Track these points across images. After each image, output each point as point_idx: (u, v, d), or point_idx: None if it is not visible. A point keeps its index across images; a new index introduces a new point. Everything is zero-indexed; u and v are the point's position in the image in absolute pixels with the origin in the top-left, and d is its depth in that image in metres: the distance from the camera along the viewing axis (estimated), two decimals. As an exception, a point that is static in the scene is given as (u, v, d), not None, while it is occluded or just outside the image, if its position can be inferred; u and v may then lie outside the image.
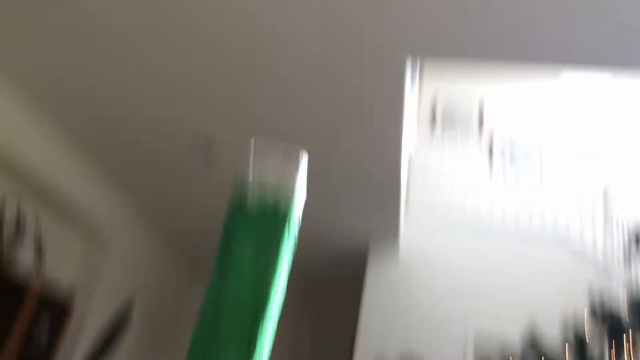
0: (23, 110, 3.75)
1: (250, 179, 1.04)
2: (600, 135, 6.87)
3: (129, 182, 4.77)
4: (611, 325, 2.96)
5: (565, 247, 5.08)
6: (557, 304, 4.78)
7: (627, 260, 4.19)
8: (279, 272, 1.02)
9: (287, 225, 1.04)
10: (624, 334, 2.93)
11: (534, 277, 4.95)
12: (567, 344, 3.01)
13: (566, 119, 6.94)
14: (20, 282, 3.82)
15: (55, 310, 4.28)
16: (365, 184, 4.14)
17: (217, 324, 0.99)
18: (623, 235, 4.87)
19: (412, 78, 3.69)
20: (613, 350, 2.98)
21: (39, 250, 4.40)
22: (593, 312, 3.12)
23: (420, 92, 6.51)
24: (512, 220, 5.54)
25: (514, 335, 4.52)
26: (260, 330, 1.00)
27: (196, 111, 3.66)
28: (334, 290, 6.53)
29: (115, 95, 3.63)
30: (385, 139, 3.61)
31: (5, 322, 3.85)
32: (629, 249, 4.11)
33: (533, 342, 3.09)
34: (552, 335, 4.34)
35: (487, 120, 6.80)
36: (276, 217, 1.05)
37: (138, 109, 3.75)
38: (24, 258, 4.02)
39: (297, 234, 1.09)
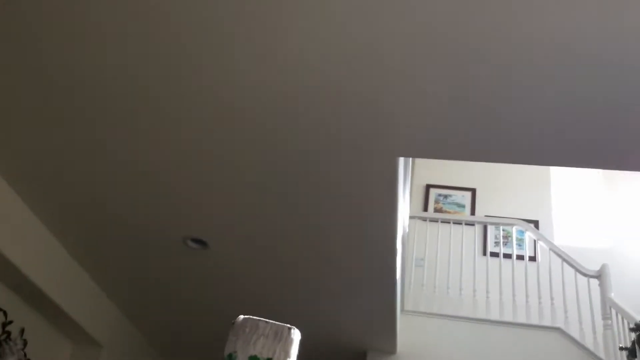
0: (26, 216, 3.72)
1: (239, 358, 0.99)
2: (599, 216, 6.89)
3: (124, 290, 4.69)
4: None
5: (566, 335, 4.97)
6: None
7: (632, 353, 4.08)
8: None
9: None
10: None
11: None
12: None
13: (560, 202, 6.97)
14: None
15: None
16: (359, 284, 4.08)
17: None
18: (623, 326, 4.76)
19: (405, 176, 3.72)
20: None
21: (25, 355, 4.25)
22: None
23: (413, 177, 6.57)
24: (508, 303, 5.46)
25: None
26: None
27: (185, 217, 3.65)
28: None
29: (103, 196, 3.62)
30: (379, 241, 3.58)
31: None
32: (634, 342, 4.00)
33: None
34: None
35: (479, 204, 6.82)
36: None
37: (127, 212, 3.73)
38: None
39: None
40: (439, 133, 2.68)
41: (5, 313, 4.06)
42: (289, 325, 1.04)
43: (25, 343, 4.18)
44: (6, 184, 3.60)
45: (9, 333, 4.09)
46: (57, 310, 4.31)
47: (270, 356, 1.02)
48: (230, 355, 1.02)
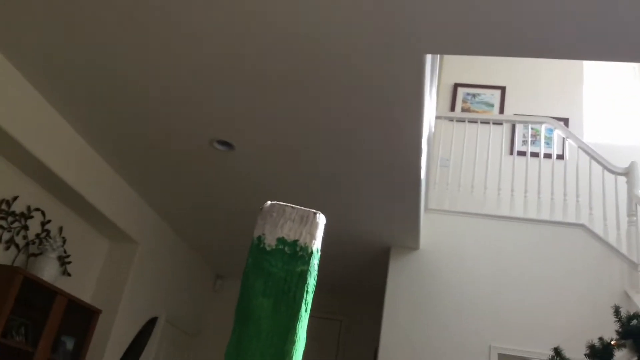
0: (52, 117, 3.78)
1: (267, 240, 1.02)
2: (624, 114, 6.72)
3: (154, 188, 4.81)
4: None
5: (590, 231, 5.01)
6: (587, 292, 4.76)
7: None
8: (299, 321, 1.02)
9: (307, 276, 1.03)
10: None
11: (559, 265, 4.90)
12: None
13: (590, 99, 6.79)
14: (48, 284, 3.88)
15: (83, 312, 4.35)
16: (385, 183, 4.12)
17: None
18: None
19: (432, 75, 3.63)
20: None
21: (65, 252, 4.48)
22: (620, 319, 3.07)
23: (440, 76, 6.42)
24: (533, 201, 5.50)
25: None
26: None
27: (218, 121, 3.66)
28: (358, 292, 6.61)
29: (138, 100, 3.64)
30: (405, 140, 3.57)
31: (37, 323, 3.93)
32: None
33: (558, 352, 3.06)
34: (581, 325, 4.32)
35: (508, 103, 6.68)
36: (295, 271, 1.03)
37: (163, 112, 3.76)
38: (51, 260, 4.08)
39: (316, 278, 1.09)
40: (466, 28, 2.58)
41: (43, 213, 4.24)
42: (314, 210, 1.06)
43: (64, 240, 4.39)
44: (38, 94, 3.63)
45: (48, 231, 4.29)
46: (93, 210, 4.49)
47: (296, 238, 1.05)
48: (259, 238, 1.06)
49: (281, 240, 1.05)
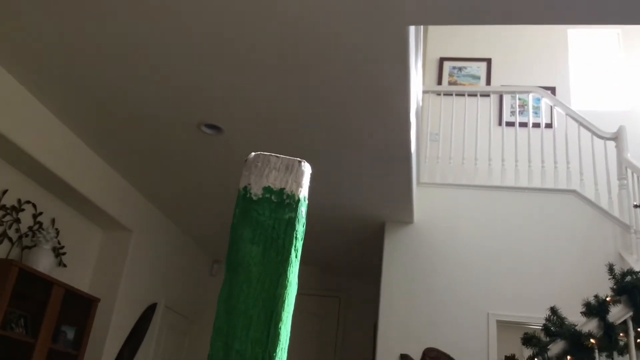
0: (37, 108, 3.76)
1: (253, 189, 1.03)
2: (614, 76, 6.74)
3: (144, 175, 4.80)
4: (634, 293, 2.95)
5: (581, 197, 5.05)
6: (582, 256, 4.81)
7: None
8: (290, 266, 1.03)
9: (295, 223, 1.04)
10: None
11: (553, 231, 4.94)
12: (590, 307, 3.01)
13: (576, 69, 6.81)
14: (44, 275, 3.88)
15: (82, 301, 4.36)
16: (376, 158, 4.12)
17: (233, 318, 1.01)
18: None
19: (417, 48, 3.63)
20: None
21: (59, 243, 4.48)
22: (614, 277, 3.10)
23: (425, 51, 6.42)
24: (524, 170, 5.53)
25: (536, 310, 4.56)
26: (276, 317, 1.02)
27: (205, 104, 3.64)
28: (355, 269, 6.64)
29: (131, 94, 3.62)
30: (393, 114, 3.57)
31: (36, 315, 3.94)
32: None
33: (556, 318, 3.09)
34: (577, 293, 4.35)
35: (495, 75, 6.69)
36: (283, 218, 1.04)
37: (149, 101, 3.74)
38: (45, 251, 4.08)
39: (304, 225, 1.10)
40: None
41: (34, 205, 4.23)
42: (299, 159, 1.06)
43: (57, 231, 4.38)
44: (22, 87, 3.61)
45: (40, 223, 4.28)
46: (84, 200, 4.47)
47: (283, 186, 1.06)
48: (245, 188, 1.06)
49: (267, 189, 1.06)
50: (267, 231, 1.04)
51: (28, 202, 4.16)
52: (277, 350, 1.01)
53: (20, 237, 4.07)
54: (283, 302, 1.03)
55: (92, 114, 3.96)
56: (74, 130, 4.20)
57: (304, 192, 1.08)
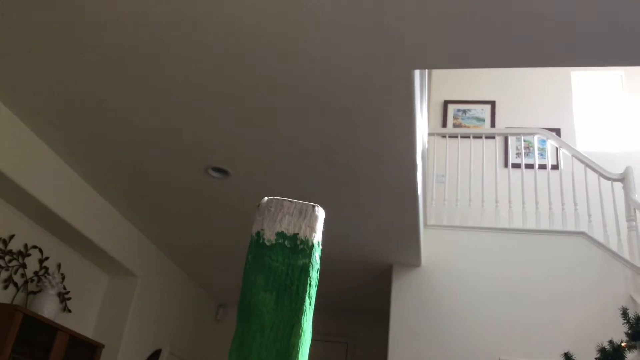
0: (46, 154, 3.79)
1: (266, 235, 1.02)
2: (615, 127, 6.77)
3: (151, 219, 4.79)
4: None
5: (590, 239, 5.00)
6: (593, 299, 4.72)
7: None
8: (304, 314, 1.01)
9: (309, 269, 1.02)
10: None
11: (562, 274, 4.87)
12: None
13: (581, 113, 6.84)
14: (49, 321, 3.83)
15: (86, 347, 4.28)
16: (383, 201, 4.11)
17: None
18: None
19: (422, 91, 3.67)
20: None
21: (64, 288, 4.43)
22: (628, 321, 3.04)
23: (430, 94, 6.48)
24: (531, 212, 5.49)
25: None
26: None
27: (212, 148, 3.67)
28: (363, 313, 6.55)
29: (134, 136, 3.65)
30: (399, 156, 3.58)
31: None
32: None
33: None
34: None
35: (499, 117, 6.73)
36: (296, 265, 1.02)
37: (155, 144, 3.76)
38: (51, 297, 4.04)
39: (318, 272, 1.08)
40: (451, 41, 2.62)
41: (40, 250, 4.21)
42: (313, 204, 1.05)
43: (63, 277, 4.35)
44: (32, 132, 3.64)
45: (46, 268, 4.25)
46: (91, 245, 4.46)
47: (296, 231, 1.04)
48: (258, 233, 1.05)
49: (281, 235, 1.05)
50: (281, 278, 1.02)
51: (34, 247, 4.15)
52: (291, 401, 0.99)
53: (25, 282, 4.04)
54: (297, 352, 1.00)
55: (99, 158, 3.98)
56: (82, 174, 4.21)
57: (317, 238, 1.07)
